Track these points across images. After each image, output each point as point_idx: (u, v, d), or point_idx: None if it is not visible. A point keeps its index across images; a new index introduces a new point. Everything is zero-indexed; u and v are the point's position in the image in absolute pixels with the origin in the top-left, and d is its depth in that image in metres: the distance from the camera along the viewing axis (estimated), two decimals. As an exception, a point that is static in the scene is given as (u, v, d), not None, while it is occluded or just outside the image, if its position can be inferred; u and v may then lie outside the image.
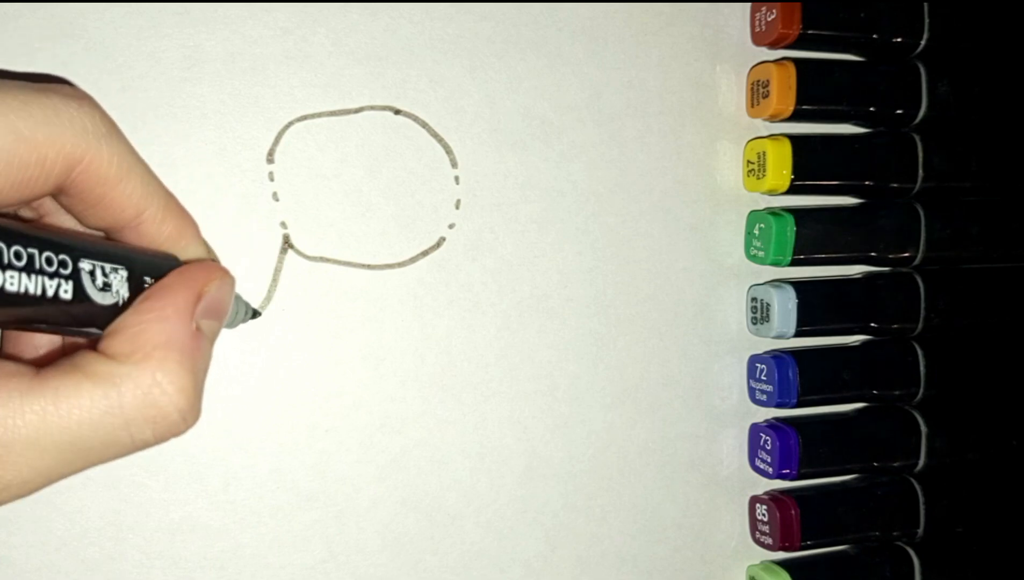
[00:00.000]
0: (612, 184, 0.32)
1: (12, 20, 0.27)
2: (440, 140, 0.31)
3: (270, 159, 0.29)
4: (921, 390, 0.34)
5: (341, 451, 0.30)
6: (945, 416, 0.35)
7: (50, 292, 0.18)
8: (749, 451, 0.34)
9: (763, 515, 0.34)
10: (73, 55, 0.27)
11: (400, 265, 0.30)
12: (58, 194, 0.19)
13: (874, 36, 0.32)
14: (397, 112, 0.30)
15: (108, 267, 0.19)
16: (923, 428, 0.34)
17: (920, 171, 0.33)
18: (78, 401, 0.17)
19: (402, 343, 0.31)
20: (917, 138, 0.33)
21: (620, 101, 0.32)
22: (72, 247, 0.18)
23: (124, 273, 0.19)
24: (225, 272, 0.21)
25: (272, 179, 0.29)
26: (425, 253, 0.31)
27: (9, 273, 0.17)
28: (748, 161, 0.33)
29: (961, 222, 0.34)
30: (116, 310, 0.19)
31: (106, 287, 0.19)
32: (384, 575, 0.31)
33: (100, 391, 0.17)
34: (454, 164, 0.31)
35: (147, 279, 0.20)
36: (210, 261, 0.22)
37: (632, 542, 0.33)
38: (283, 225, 0.29)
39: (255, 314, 0.27)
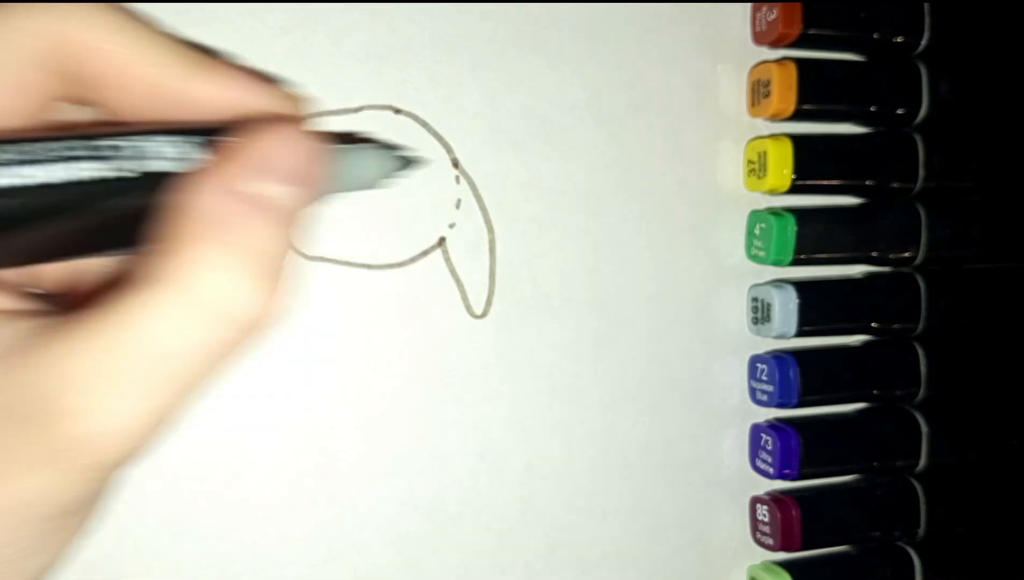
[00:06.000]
0: (612, 184, 0.32)
1: (12, 20, 0.27)
2: (440, 139, 0.31)
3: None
4: (922, 390, 0.34)
5: (341, 451, 0.30)
6: (946, 416, 0.35)
7: None
8: (750, 451, 0.34)
9: (764, 515, 0.34)
10: (73, 55, 0.27)
11: (400, 265, 0.30)
12: (74, 94, 0.18)
13: (875, 36, 0.32)
14: (397, 112, 0.30)
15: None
16: (924, 428, 0.34)
17: (921, 171, 0.33)
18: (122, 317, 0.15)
19: (402, 343, 0.31)
20: (918, 138, 0.33)
21: (621, 101, 0.32)
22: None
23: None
24: (295, 130, 0.17)
25: (272, 179, 0.29)
26: (425, 253, 0.31)
27: None
28: (749, 161, 0.33)
29: (962, 222, 0.34)
30: None
31: None
32: (384, 575, 0.31)
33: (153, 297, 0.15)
34: (454, 164, 0.31)
35: None
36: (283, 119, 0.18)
37: (632, 542, 0.33)
38: (283, 225, 0.29)
39: (409, 162, 0.21)
